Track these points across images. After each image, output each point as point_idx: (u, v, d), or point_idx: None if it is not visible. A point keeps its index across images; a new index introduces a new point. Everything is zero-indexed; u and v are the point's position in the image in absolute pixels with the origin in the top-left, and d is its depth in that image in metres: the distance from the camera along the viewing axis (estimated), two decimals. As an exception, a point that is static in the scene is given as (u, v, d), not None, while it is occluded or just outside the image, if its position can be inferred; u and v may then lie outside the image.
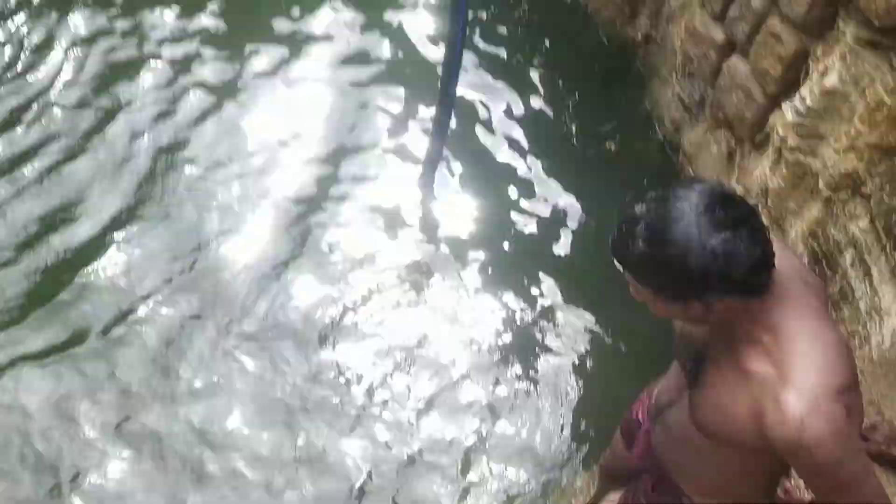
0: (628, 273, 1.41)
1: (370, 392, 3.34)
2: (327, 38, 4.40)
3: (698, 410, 1.54)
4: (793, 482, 2.54)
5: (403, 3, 4.56)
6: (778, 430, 1.33)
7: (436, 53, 4.23)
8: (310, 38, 4.39)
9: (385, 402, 3.33)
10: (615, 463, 2.38)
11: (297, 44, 4.35)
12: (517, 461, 3.28)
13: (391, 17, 4.50)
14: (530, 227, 3.90)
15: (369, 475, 3.17)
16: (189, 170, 3.87)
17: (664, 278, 1.35)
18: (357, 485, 3.14)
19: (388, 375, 3.40)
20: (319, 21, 4.45)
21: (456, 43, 3.22)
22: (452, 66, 3.35)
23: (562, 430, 3.36)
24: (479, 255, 3.76)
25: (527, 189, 4.00)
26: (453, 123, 3.78)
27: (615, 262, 1.41)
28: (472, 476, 3.22)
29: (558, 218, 3.92)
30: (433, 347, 3.50)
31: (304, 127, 4.07)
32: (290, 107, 4.16)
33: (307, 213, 3.80)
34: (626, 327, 3.57)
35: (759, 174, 3.36)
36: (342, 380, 3.37)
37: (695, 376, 1.57)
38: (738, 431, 1.44)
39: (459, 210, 3.92)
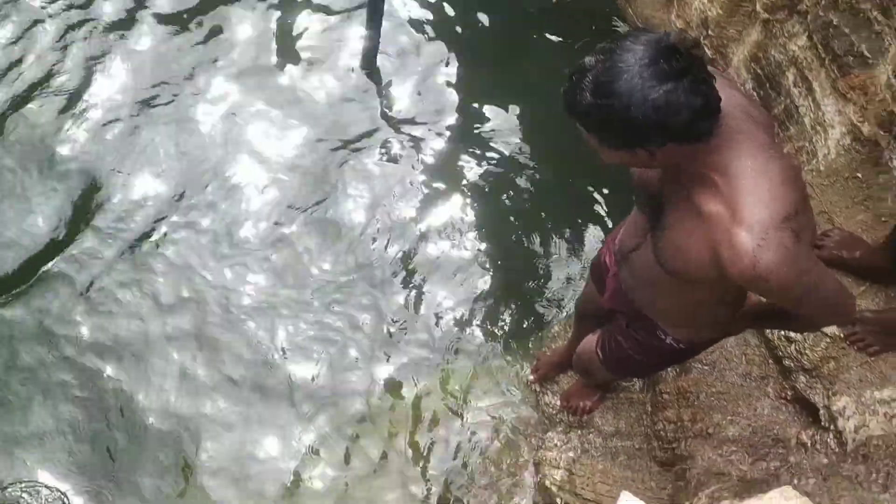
0: (577, 123, 1.45)
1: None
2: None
3: (661, 252, 1.62)
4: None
5: None
6: (733, 265, 1.42)
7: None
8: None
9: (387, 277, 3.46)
10: (589, 306, 2.50)
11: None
12: (493, 315, 3.41)
13: None
14: (477, 88, 3.89)
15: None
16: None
17: (609, 128, 1.39)
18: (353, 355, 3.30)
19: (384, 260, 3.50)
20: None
21: None
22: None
23: (535, 282, 3.49)
24: (428, 131, 3.78)
25: (471, 51, 3.96)
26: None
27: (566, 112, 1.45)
28: (457, 333, 3.36)
29: (508, 78, 3.90)
30: (406, 221, 3.58)
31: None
32: None
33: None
34: (589, 177, 3.65)
35: (698, 5, 3.36)
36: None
37: (655, 220, 1.63)
38: (698, 269, 1.52)
39: (402, 89, 3.89)
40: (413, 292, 3.43)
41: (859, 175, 2.72)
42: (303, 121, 3.75)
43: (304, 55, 3.94)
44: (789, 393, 2.65)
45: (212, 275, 3.38)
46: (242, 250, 3.45)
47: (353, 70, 3.88)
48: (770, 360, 2.73)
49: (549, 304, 3.44)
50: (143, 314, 3.30)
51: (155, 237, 3.45)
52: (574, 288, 3.45)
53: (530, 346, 3.35)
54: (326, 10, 4.07)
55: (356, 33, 3.95)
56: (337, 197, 3.60)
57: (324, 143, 3.71)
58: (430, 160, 3.72)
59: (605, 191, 3.62)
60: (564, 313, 3.40)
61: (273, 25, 4.00)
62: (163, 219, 3.49)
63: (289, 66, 3.90)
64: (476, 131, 3.80)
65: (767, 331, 2.68)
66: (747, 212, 1.40)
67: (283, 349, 3.28)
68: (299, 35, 3.99)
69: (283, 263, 3.45)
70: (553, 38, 3.98)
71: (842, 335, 2.50)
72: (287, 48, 3.95)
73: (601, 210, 3.61)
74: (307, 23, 4.03)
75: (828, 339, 2.53)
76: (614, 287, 2.09)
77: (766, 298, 1.66)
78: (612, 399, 3.03)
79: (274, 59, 3.92)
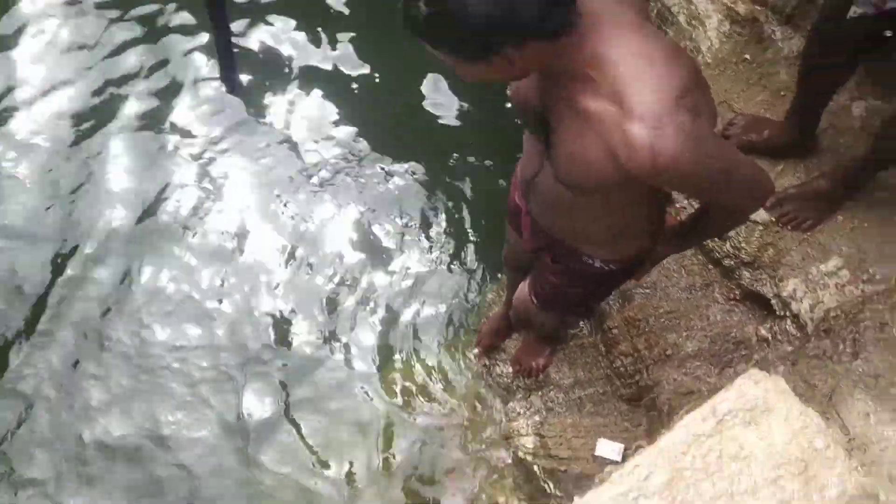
0: (424, 43, 1.28)
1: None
2: None
3: (559, 168, 1.45)
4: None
5: None
6: (633, 163, 1.26)
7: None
8: None
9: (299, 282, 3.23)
10: (515, 253, 2.35)
11: None
12: (430, 303, 3.23)
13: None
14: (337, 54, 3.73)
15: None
16: None
17: (455, 38, 1.23)
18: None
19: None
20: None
21: None
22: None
23: (455, 258, 3.32)
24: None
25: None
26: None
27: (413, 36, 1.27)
28: (392, 324, 3.17)
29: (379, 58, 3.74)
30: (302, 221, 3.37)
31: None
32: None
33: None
34: (473, 122, 3.53)
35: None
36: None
37: (546, 137, 1.47)
38: (600, 176, 1.36)
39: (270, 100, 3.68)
40: (325, 310, 3.20)
41: (747, 57, 2.63)
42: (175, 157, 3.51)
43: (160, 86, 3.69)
44: (737, 292, 2.54)
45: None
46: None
47: (216, 90, 3.65)
48: (710, 266, 2.61)
49: (472, 274, 3.27)
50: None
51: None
52: (489, 248, 3.29)
53: (469, 323, 3.18)
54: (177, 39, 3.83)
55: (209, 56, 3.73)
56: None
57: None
58: (312, 167, 3.51)
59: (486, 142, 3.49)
60: (489, 279, 3.24)
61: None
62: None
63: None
64: (352, 129, 3.62)
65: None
66: (634, 101, 1.23)
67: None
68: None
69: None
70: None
71: (772, 219, 2.40)
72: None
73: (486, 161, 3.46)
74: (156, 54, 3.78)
75: (760, 228, 2.43)
76: (531, 224, 1.93)
77: (680, 191, 1.51)
78: (562, 350, 2.88)
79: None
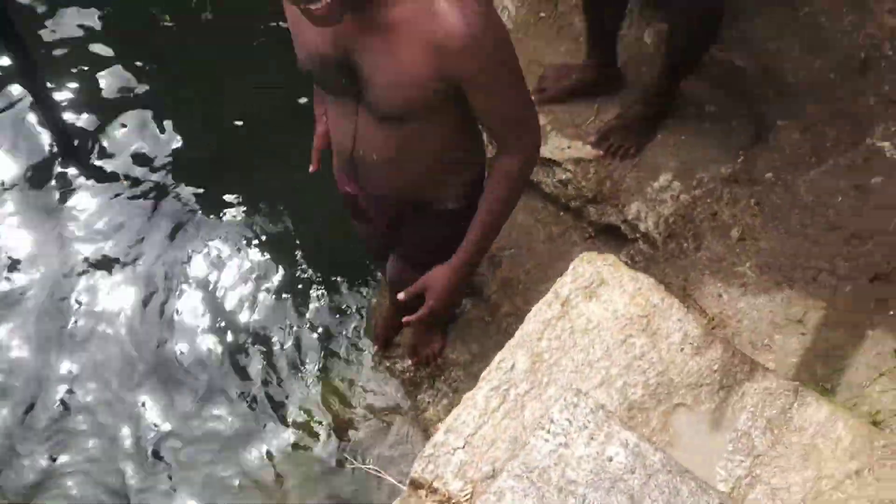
0: None
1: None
2: None
3: (382, 98, 1.52)
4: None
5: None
6: (451, 39, 1.36)
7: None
8: None
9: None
10: (372, 242, 2.40)
11: None
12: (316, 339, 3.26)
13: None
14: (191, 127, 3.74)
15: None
16: None
17: None
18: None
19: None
20: None
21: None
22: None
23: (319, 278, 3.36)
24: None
25: (161, 105, 3.79)
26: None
27: None
28: (283, 369, 3.17)
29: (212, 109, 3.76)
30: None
31: None
32: None
33: None
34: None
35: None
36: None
37: (355, 86, 1.55)
38: (424, 78, 1.44)
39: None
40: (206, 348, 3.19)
41: (542, 14, 2.82)
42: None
43: None
44: (590, 230, 2.69)
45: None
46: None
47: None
48: (561, 213, 2.76)
49: (350, 282, 3.32)
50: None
51: None
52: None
53: (362, 333, 3.23)
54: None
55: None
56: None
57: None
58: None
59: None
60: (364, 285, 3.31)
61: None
62: None
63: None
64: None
65: (546, 187, 2.71)
66: None
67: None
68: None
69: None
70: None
71: (601, 154, 2.57)
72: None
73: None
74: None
75: (593, 164, 2.59)
76: (371, 204, 2.00)
77: (480, 83, 1.49)
78: (453, 330, 2.96)
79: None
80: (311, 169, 2.15)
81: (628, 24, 2.57)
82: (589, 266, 1.48)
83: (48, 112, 3.44)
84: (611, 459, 1.09)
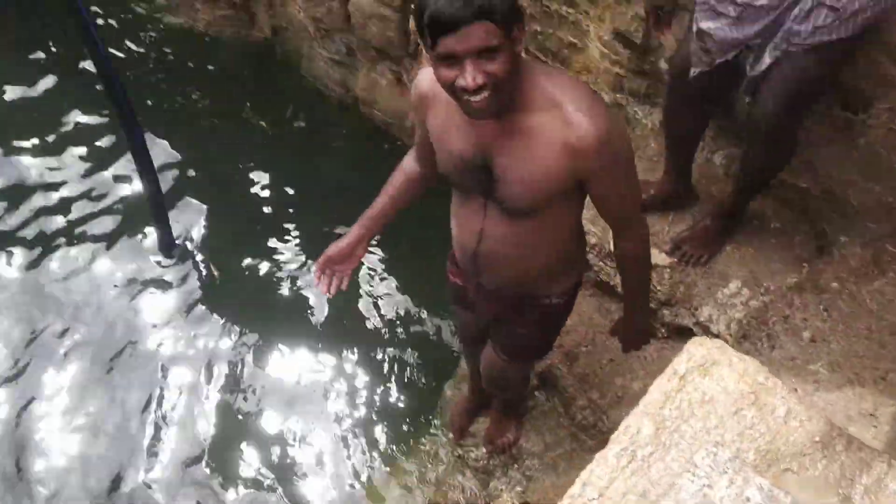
0: (497, 24, 1.48)
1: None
2: None
3: (513, 193, 1.77)
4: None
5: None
6: (581, 140, 1.61)
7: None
8: None
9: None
10: (471, 330, 2.62)
11: None
12: (390, 421, 3.46)
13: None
14: (279, 224, 4.05)
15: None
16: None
17: (515, 6, 1.53)
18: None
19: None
20: None
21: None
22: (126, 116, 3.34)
23: (407, 371, 3.59)
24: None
25: (259, 198, 4.13)
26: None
27: (477, 24, 1.47)
28: (358, 448, 3.36)
29: (296, 207, 4.10)
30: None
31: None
32: None
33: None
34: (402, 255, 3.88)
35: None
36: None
37: (488, 183, 1.81)
38: (552, 178, 1.70)
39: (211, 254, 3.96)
40: (297, 427, 3.40)
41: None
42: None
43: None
44: (663, 330, 2.91)
45: None
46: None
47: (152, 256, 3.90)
48: (635, 314, 2.99)
49: (423, 378, 3.54)
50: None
51: None
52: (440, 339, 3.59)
53: (436, 423, 3.42)
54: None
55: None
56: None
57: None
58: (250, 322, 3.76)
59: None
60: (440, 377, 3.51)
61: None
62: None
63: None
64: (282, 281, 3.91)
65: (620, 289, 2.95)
66: (566, 99, 1.63)
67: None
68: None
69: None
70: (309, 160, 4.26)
71: (675, 261, 2.82)
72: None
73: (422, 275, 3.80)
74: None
75: (668, 270, 2.83)
76: (482, 297, 2.23)
77: (606, 195, 1.78)
78: (528, 421, 3.14)
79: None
80: (315, 283, 2.19)
81: (701, 147, 2.86)
82: (701, 348, 1.70)
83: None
84: (748, 500, 1.29)
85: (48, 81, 4.49)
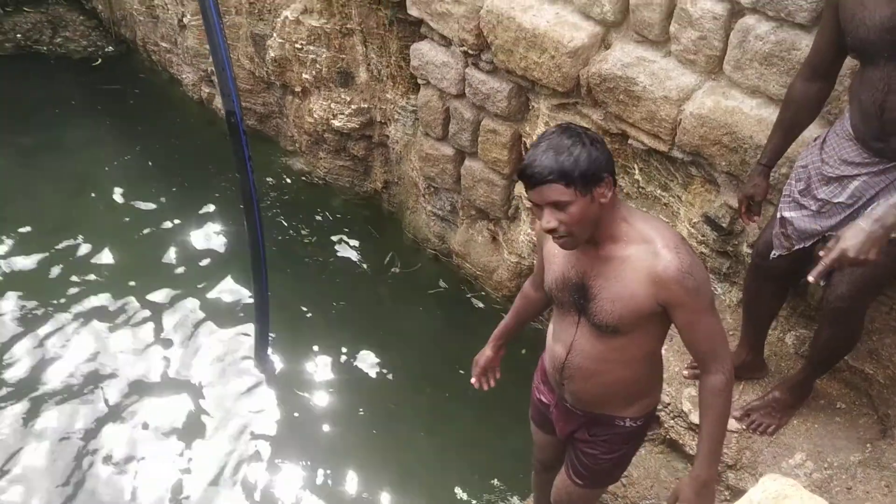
0: (565, 185, 1.88)
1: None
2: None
3: (602, 315, 2.08)
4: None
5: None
6: (666, 271, 1.94)
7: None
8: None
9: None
10: (546, 453, 2.81)
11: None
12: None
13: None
14: (367, 360, 4.35)
15: None
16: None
17: (589, 168, 1.88)
18: None
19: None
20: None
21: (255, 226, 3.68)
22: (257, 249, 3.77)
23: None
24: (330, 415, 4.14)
25: (351, 333, 4.47)
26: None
27: (547, 185, 1.88)
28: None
29: (389, 346, 4.42)
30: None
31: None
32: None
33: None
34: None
35: (524, 237, 4.18)
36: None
37: (583, 302, 2.13)
38: (638, 302, 2.01)
39: (300, 378, 4.27)
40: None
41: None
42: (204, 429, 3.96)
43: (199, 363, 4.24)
44: (727, 493, 3.06)
45: None
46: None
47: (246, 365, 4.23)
48: (700, 475, 3.15)
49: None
50: None
51: None
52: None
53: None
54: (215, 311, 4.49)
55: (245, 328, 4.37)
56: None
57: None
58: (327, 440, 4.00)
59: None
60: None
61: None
62: None
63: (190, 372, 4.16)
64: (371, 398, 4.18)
65: (690, 450, 3.13)
66: (658, 238, 1.98)
67: None
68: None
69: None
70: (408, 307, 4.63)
71: (743, 428, 3.02)
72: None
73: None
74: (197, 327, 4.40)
75: (736, 435, 3.03)
76: (562, 413, 2.47)
77: (686, 308, 2.01)
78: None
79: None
80: (474, 382, 2.71)
81: (775, 326, 3.13)
82: (774, 483, 1.91)
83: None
84: None
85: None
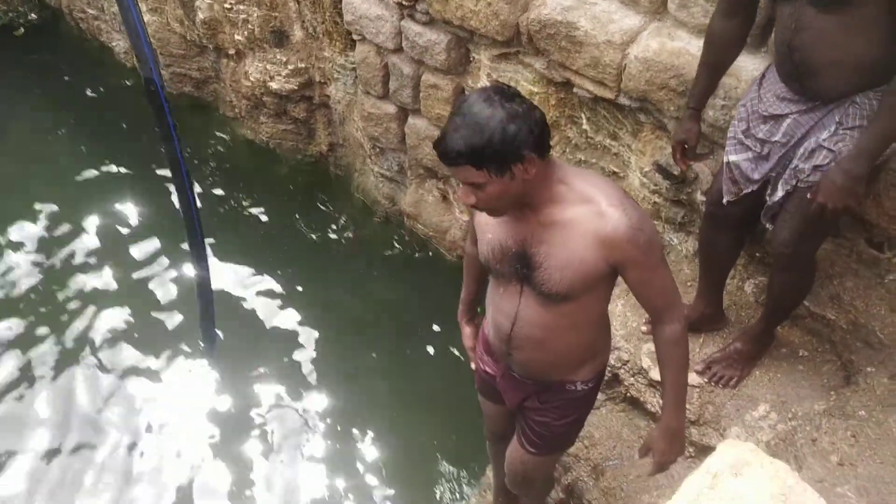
0: (475, 167, 1.73)
1: None
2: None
3: (549, 283, 1.94)
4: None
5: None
6: (615, 231, 1.80)
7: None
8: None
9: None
10: (496, 424, 2.71)
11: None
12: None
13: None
14: (318, 328, 4.20)
15: None
16: None
17: (494, 154, 1.71)
18: None
19: None
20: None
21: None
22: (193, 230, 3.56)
23: (433, 474, 3.65)
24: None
25: (304, 301, 4.31)
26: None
27: (459, 166, 1.74)
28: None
29: (342, 313, 4.27)
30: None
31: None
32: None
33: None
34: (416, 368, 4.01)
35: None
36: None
37: (526, 270, 1.98)
38: (588, 266, 1.87)
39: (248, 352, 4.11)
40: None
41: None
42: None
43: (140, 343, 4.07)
44: (691, 449, 2.97)
45: None
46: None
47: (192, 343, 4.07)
48: (663, 432, 3.06)
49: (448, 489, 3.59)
50: None
51: None
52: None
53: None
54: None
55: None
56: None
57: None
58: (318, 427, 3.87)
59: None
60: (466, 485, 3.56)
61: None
62: None
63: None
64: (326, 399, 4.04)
65: (651, 406, 3.03)
66: (600, 197, 1.83)
67: None
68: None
69: None
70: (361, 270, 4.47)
71: (704, 381, 2.92)
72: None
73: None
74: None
75: (697, 390, 2.93)
76: (509, 383, 2.35)
77: (639, 266, 1.89)
78: (551, 533, 3.17)
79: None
80: (473, 366, 2.55)
81: (733, 275, 3.02)
82: (733, 450, 1.79)
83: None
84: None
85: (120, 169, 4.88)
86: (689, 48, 2.77)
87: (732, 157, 2.49)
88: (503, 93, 1.76)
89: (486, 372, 2.46)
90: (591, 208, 1.84)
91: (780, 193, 2.42)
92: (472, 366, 2.55)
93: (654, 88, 2.85)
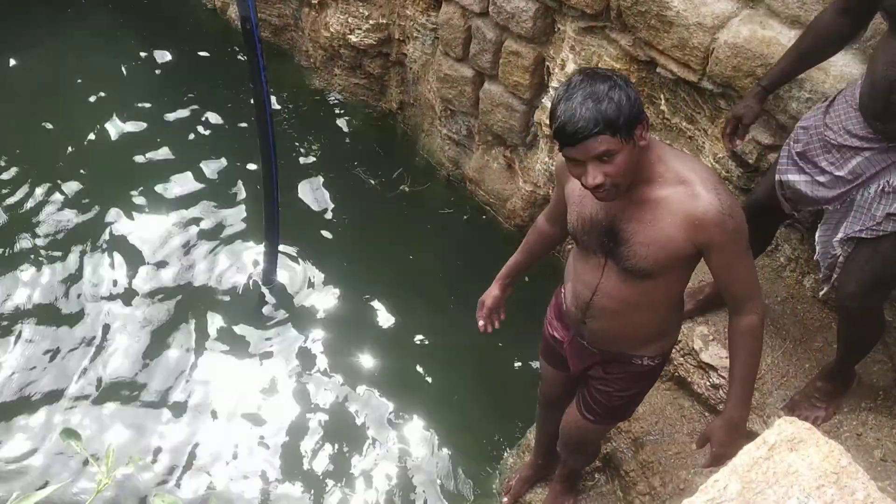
0: (612, 135, 1.75)
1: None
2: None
3: (635, 259, 1.99)
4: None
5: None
6: (706, 213, 1.85)
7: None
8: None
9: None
10: (552, 388, 2.78)
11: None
12: (447, 482, 3.61)
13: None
14: (364, 274, 4.32)
15: None
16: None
17: (630, 112, 1.75)
18: None
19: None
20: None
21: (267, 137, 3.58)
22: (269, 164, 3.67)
23: (470, 435, 3.75)
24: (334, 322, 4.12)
25: (357, 249, 4.43)
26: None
27: (590, 141, 1.75)
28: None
29: (390, 263, 4.38)
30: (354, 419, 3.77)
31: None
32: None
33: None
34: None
35: (541, 166, 4.07)
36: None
37: (613, 244, 2.03)
38: (677, 243, 1.92)
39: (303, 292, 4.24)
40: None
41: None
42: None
43: (203, 280, 4.21)
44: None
45: None
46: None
47: (252, 286, 4.19)
48: (707, 413, 3.12)
49: (487, 444, 3.69)
50: None
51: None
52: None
53: (495, 489, 3.55)
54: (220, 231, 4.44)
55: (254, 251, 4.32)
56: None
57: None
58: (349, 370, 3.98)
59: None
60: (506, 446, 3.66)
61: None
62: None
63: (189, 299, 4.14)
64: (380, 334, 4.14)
65: (698, 388, 3.09)
66: (696, 180, 1.88)
67: None
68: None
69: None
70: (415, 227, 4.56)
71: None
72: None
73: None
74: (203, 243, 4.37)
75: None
76: (576, 350, 2.42)
77: (724, 251, 1.92)
78: (584, 499, 3.25)
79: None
80: (481, 326, 2.60)
81: (792, 268, 3.05)
82: (790, 426, 1.85)
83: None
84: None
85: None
86: (779, 38, 2.79)
87: (789, 177, 2.48)
88: (599, 71, 1.82)
89: (553, 336, 2.52)
90: (684, 189, 1.89)
91: (840, 235, 2.38)
92: (479, 324, 2.59)
93: (741, 75, 2.88)
